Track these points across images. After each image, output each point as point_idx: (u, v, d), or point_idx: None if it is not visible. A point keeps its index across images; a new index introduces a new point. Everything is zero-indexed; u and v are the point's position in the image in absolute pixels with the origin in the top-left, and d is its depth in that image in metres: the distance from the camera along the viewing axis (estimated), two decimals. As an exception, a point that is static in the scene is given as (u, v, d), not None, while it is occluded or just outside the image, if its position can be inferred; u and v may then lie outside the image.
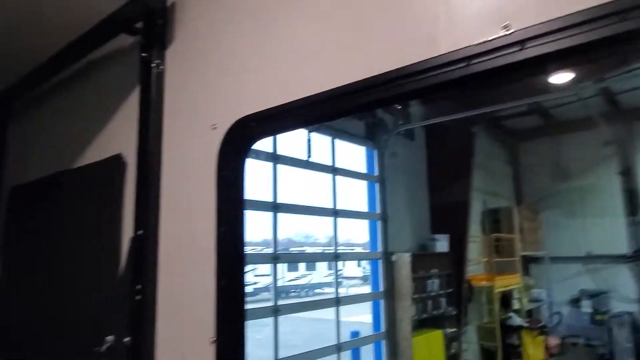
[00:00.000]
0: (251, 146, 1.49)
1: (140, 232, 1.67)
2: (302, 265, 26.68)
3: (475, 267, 8.09)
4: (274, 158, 5.72)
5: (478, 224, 8.28)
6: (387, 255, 6.91)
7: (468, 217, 7.72)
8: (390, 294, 6.91)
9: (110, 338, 1.64)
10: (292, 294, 24.06)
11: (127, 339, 1.59)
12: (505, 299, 8.29)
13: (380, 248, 6.95)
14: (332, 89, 1.25)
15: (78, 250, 2.04)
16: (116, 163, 1.91)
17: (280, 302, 5.67)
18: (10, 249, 2.55)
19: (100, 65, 2.14)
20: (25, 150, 2.67)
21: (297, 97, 1.33)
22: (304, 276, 26.71)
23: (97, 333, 1.66)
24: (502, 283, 8.05)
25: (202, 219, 1.51)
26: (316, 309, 6.62)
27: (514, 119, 9.10)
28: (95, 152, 2.08)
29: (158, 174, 1.70)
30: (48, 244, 2.26)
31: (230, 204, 1.47)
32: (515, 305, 8.62)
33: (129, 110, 1.90)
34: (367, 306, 7.37)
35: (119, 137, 1.96)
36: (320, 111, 1.30)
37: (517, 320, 8.14)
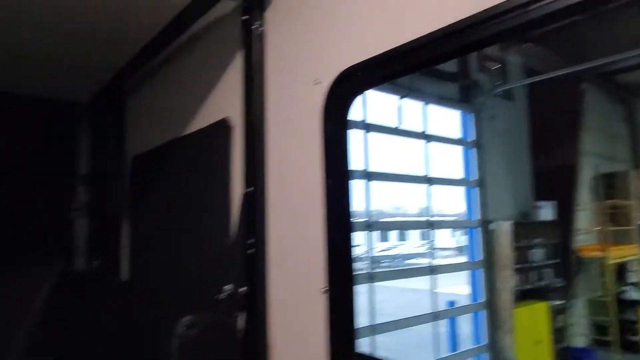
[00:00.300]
0: (355, 98, 1.48)
1: (249, 189, 1.75)
2: (392, 237, 26.59)
3: (586, 236, 7.48)
4: (365, 126, 5.67)
5: (589, 190, 7.60)
6: (485, 224, 6.63)
7: (576, 182, 7.11)
8: (489, 263, 6.65)
9: (228, 287, 1.76)
10: (384, 264, 24.13)
11: (243, 289, 1.70)
12: (621, 271, 7.60)
13: (477, 216, 6.68)
14: (441, 28, 1.18)
15: (194, 209, 2.20)
16: (223, 126, 2.01)
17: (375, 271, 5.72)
18: (136, 212, 2.83)
19: (203, 33, 2.25)
20: (142, 123, 2.91)
21: (403, 42, 1.28)
22: (394, 247, 26.65)
23: (217, 283, 1.79)
24: (617, 254, 7.36)
25: (309, 172, 1.54)
26: (411, 276, 6.58)
27: (631, 73, 8.09)
28: (204, 118, 2.20)
29: (263, 132, 1.76)
30: (168, 205, 2.47)
31: (336, 157, 1.48)
32: (633, 278, 7.87)
33: (233, 75, 1.97)
34: (462, 278, 7.17)
35: (225, 102, 2.05)
36: (428, 54, 1.24)
37: (635, 295, 7.44)
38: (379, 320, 5.56)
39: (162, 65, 2.65)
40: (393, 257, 25.41)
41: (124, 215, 2.92)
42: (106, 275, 2.87)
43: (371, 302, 5.52)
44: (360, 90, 1.48)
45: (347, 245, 1.45)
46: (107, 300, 2.81)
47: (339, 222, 1.44)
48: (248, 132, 1.81)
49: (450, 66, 6.39)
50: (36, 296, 2.93)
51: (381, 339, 5.60)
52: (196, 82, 2.32)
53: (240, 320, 1.71)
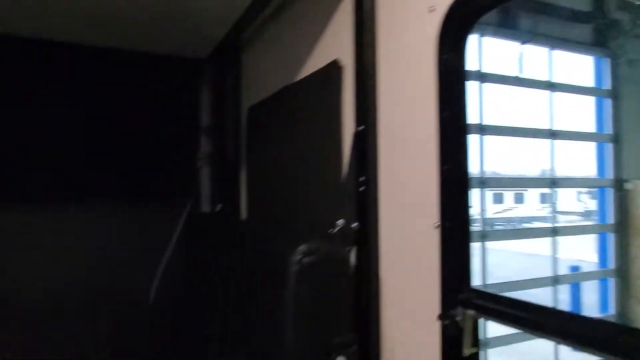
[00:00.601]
0: (474, 23, 1.37)
1: (360, 127, 1.75)
2: (508, 200, 25.05)
3: None
4: (480, 76, 5.30)
5: None
6: (619, 183, 5.93)
7: None
8: (622, 227, 5.98)
9: (340, 222, 1.81)
10: (498, 226, 22.90)
11: (355, 224, 1.73)
12: None
13: (610, 175, 5.99)
14: None
15: (307, 150, 2.27)
16: (333, 68, 2.01)
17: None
18: (252, 158, 3.02)
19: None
20: (257, 73, 3.05)
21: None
22: (510, 209, 25.11)
23: (329, 219, 1.85)
24: None
25: (421, 107, 1.49)
26: (526, 237, 6.18)
27: None
28: (315, 63, 2.23)
29: (374, 69, 1.73)
30: (282, 148, 2.59)
31: (453, 87, 1.40)
32: None
33: (344, 14, 1.95)
34: (588, 244, 6.55)
35: (336, 43, 2.04)
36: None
37: None
38: (492, 282, 5.35)
39: (274, 15, 2.72)
40: (508, 220, 23.95)
41: (242, 162, 3.13)
42: (228, 216, 3.13)
43: (484, 263, 5.31)
44: (481, 13, 1.36)
45: (463, 177, 1.39)
46: (229, 237, 3.09)
47: (455, 153, 1.39)
48: (359, 70, 1.79)
49: (582, 4, 5.66)
50: (171, 237, 3.32)
51: (493, 300, 5.39)
52: (307, 27, 2.34)
53: (352, 255, 1.75)
